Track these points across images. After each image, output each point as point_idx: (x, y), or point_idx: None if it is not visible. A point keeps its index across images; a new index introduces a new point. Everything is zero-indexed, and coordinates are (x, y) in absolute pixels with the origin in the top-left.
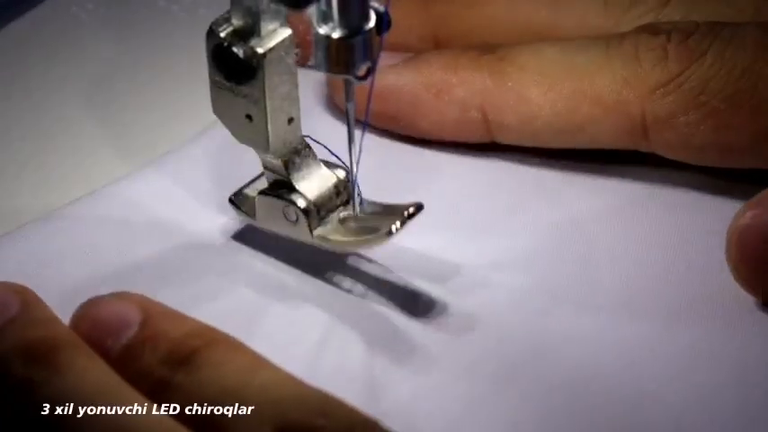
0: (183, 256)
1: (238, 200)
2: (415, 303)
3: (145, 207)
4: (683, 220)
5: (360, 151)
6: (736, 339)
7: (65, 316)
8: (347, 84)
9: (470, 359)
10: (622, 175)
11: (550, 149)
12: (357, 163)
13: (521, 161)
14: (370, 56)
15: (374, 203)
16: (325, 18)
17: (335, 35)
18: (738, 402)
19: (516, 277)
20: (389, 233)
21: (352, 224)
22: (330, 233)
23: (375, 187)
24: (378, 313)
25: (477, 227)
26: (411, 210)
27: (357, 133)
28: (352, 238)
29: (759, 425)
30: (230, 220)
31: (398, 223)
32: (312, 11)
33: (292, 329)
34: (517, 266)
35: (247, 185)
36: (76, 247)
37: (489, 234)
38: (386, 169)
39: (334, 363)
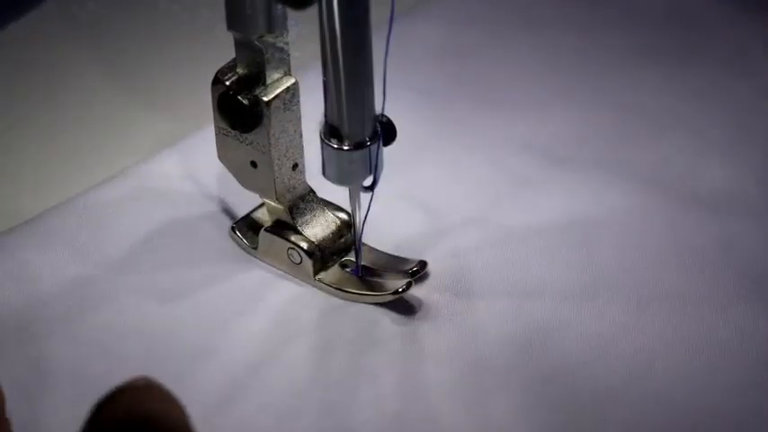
0: (190, 240)
1: (240, 229)
2: (402, 296)
3: (158, 191)
4: (669, 217)
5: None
6: (705, 334)
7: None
8: (352, 192)
9: (449, 348)
10: (615, 173)
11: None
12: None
13: (515, 155)
14: (377, 167)
15: (374, 250)
16: (332, 132)
17: (344, 148)
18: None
19: (497, 272)
20: (395, 293)
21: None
22: (331, 278)
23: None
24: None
25: (468, 219)
26: (414, 268)
27: None
28: (354, 291)
29: (721, 419)
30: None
31: (404, 285)
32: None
33: (292, 323)
34: (500, 261)
35: (249, 214)
36: (94, 231)
37: (477, 227)
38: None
39: (327, 355)
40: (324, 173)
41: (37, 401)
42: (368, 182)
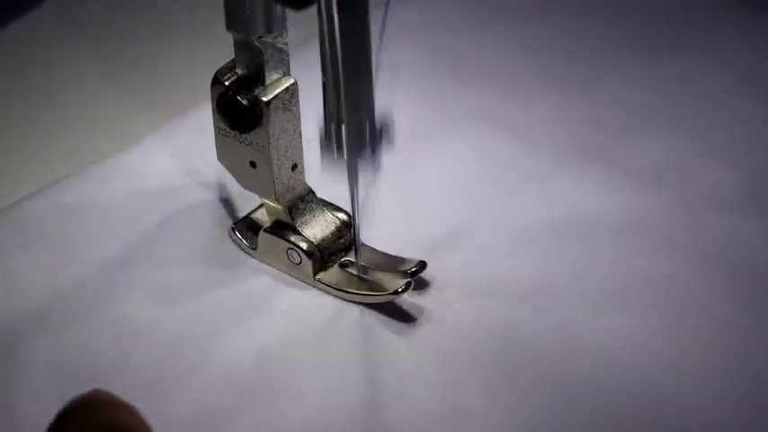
0: (189, 240)
1: (240, 229)
2: (404, 297)
3: (157, 191)
4: (673, 219)
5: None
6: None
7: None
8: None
9: (444, 346)
10: (614, 172)
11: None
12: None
13: (517, 153)
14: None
15: (374, 251)
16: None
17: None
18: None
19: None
20: (395, 293)
21: (352, 271)
22: (331, 279)
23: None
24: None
25: (470, 219)
26: (414, 268)
27: None
28: (354, 291)
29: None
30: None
31: (404, 285)
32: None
33: (291, 324)
34: (501, 258)
35: (249, 215)
36: (90, 230)
37: (477, 225)
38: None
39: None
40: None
41: (23, 406)
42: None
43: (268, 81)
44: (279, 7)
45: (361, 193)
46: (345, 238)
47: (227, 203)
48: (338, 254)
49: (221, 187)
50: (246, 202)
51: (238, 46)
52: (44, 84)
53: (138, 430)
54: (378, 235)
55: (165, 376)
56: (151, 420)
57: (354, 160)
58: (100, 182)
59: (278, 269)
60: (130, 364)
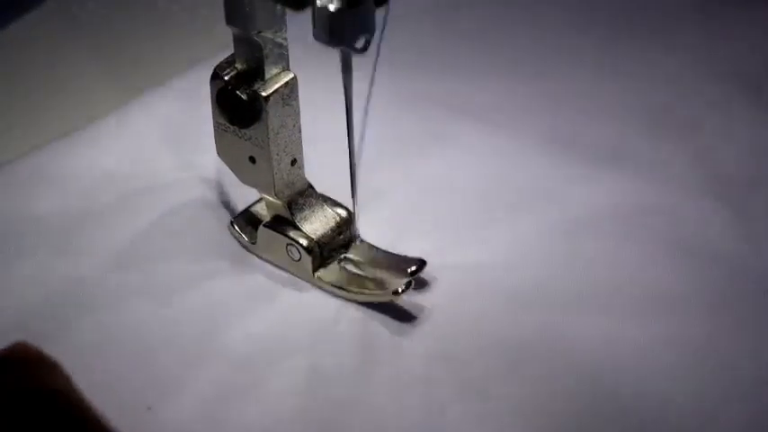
0: (187, 235)
1: (239, 223)
2: (404, 296)
3: (154, 185)
4: (674, 221)
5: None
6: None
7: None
8: (345, 56)
9: (445, 343)
10: (619, 178)
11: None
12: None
13: (522, 158)
14: (370, 28)
15: (373, 248)
16: None
17: (333, 7)
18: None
19: (501, 274)
20: (395, 293)
21: (351, 269)
22: (330, 276)
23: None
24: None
25: (469, 218)
26: (414, 268)
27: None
28: (354, 290)
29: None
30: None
31: (404, 285)
32: None
33: (290, 322)
34: (507, 263)
35: (248, 208)
36: (87, 226)
37: (486, 232)
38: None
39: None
40: (314, 35)
41: None
42: (359, 44)
43: (267, 76)
44: (278, 6)
45: (360, 194)
46: (345, 234)
47: (226, 196)
48: (338, 250)
49: (219, 180)
50: (246, 194)
51: (238, 41)
52: (44, 83)
53: (68, 394)
54: (377, 234)
55: (163, 373)
56: (151, 417)
57: (348, 49)
58: (97, 176)
59: (277, 265)
60: (127, 360)
